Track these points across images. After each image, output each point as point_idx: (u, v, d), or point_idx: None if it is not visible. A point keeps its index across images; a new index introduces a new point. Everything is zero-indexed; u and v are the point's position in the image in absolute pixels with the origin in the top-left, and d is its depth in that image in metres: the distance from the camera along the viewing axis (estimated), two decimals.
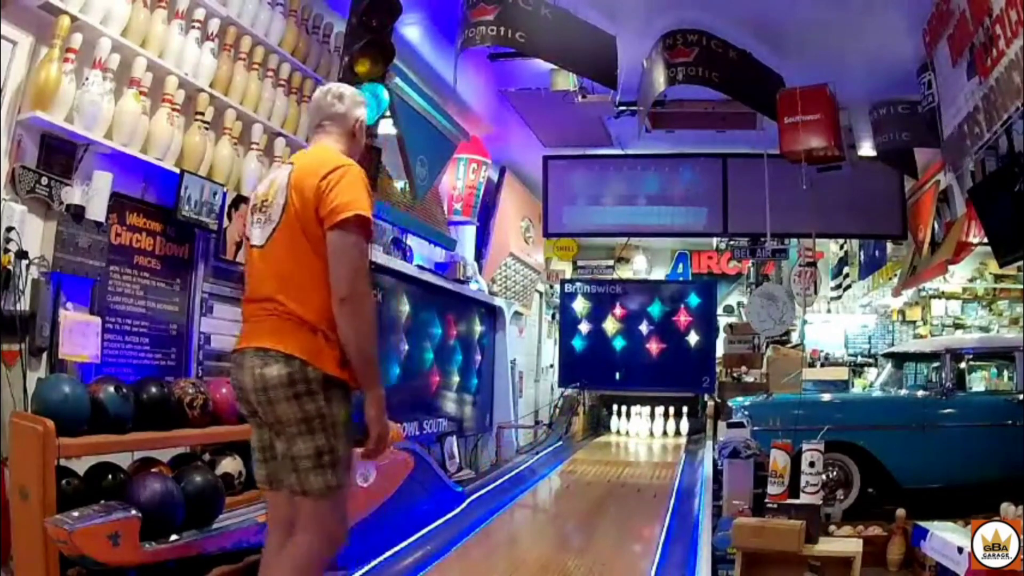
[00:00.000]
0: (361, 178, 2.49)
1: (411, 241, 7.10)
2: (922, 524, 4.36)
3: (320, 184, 2.42)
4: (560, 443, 7.86)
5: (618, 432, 8.99)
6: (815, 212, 6.84)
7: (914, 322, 11.54)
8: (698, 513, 4.74)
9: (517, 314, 10.18)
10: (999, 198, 5.04)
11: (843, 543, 3.97)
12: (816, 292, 10.56)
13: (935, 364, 6.71)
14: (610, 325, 9.55)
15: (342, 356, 2.43)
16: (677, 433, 8.83)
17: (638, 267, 13.27)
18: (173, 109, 3.89)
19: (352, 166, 2.50)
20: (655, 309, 9.51)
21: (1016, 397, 6.15)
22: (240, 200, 4.36)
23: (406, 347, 7.06)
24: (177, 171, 3.92)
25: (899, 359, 7.60)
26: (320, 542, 2.43)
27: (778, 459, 4.24)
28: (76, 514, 2.70)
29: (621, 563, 3.98)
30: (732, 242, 10.28)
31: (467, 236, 8.79)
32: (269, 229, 2.51)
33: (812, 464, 4.08)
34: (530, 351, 11.33)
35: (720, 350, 10.06)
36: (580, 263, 13.10)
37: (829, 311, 12.72)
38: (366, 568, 3.51)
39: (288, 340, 2.41)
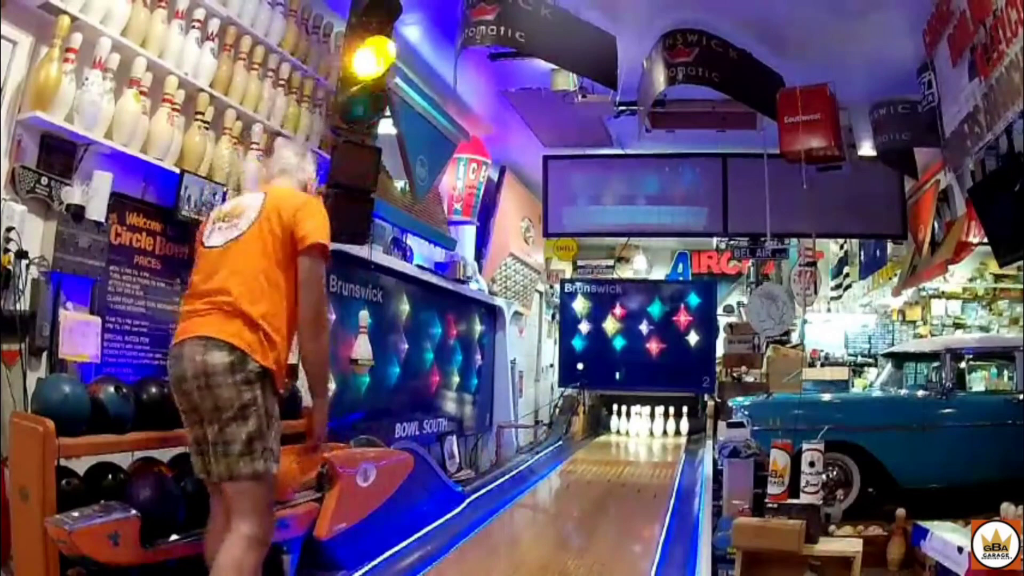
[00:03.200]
0: (324, 211, 2.96)
1: (411, 241, 7.10)
2: (922, 524, 4.36)
3: (296, 214, 2.82)
4: (560, 443, 7.86)
5: (618, 432, 8.99)
6: (815, 212, 6.85)
7: (914, 322, 11.54)
8: (698, 513, 4.74)
9: (517, 314, 10.17)
10: (999, 198, 5.04)
11: (843, 543, 3.97)
12: (816, 292, 10.55)
13: (935, 364, 6.71)
14: (610, 325, 9.55)
15: (278, 356, 2.73)
16: (677, 433, 8.83)
17: (638, 267, 13.27)
18: (173, 109, 3.89)
19: (318, 201, 3.01)
20: (655, 309, 9.51)
21: (1016, 397, 6.15)
22: None
23: (406, 347, 7.06)
24: (177, 171, 3.92)
25: (899, 359, 7.60)
26: (256, 527, 2.59)
27: (778, 459, 4.24)
28: (76, 514, 2.69)
29: (621, 563, 3.98)
30: (732, 242, 10.27)
31: (467, 236, 8.79)
32: (233, 234, 2.82)
33: (812, 464, 4.08)
34: (530, 351, 11.32)
35: (720, 350, 10.05)
36: (580, 263, 13.09)
37: (829, 311, 12.73)
38: (366, 568, 3.52)
39: (231, 331, 2.64)
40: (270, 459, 2.63)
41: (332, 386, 4.96)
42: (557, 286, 10.96)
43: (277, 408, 2.75)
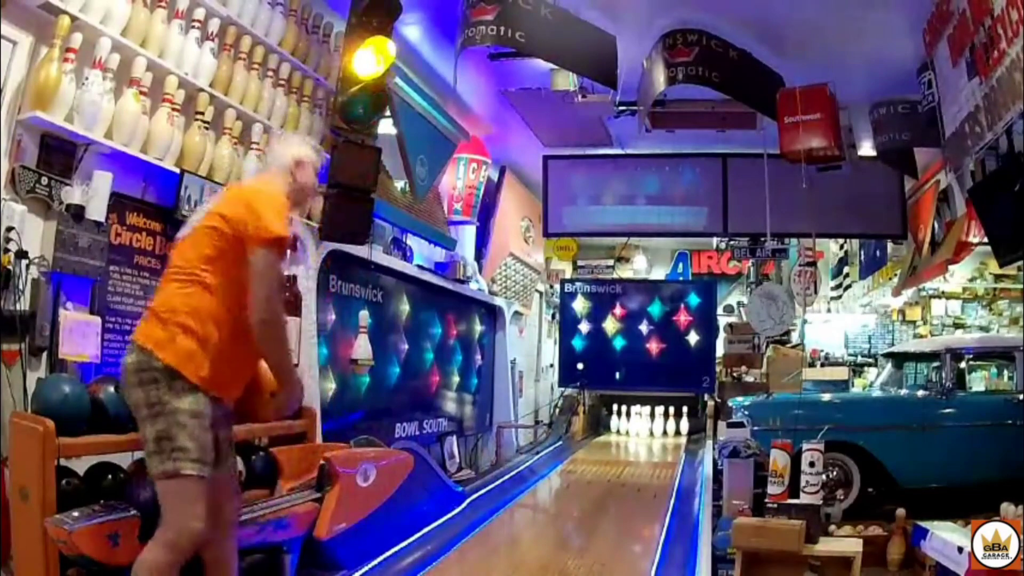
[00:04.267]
0: (276, 199, 2.78)
1: (411, 241, 7.10)
2: (922, 524, 4.36)
3: (247, 207, 2.70)
4: (560, 443, 7.86)
5: (618, 432, 8.98)
6: (815, 212, 6.84)
7: (914, 322, 11.54)
8: (698, 513, 4.74)
9: (517, 314, 10.18)
10: (999, 198, 5.04)
11: (843, 543, 3.97)
12: (816, 292, 10.55)
13: (935, 364, 6.72)
14: (610, 325, 9.55)
15: (192, 353, 2.60)
16: (677, 433, 8.83)
17: (638, 267, 13.27)
18: (173, 109, 3.89)
19: (267, 186, 2.85)
20: (655, 309, 9.51)
21: (1016, 397, 6.15)
22: None
23: (406, 347, 7.06)
24: (177, 171, 3.92)
25: (899, 359, 7.60)
26: (168, 529, 2.52)
27: (778, 459, 4.24)
28: (76, 514, 2.70)
29: (621, 563, 3.98)
30: (732, 242, 10.28)
31: (467, 236, 8.79)
32: (182, 234, 2.82)
33: (812, 464, 4.08)
34: (530, 351, 11.33)
35: (720, 350, 10.05)
36: (580, 263, 13.10)
37: (829, 311, 12.73)
38: (366, 568, 3.52)
39: (142, 331, 2.68)
40: (182, 459, 2.52)
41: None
42: (557, 286, 10.95)
43: (200, 405, 2.60)
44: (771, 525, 3.78)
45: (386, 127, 5.78)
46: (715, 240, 11.47)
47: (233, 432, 2.99)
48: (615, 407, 9.18)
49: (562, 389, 9.54)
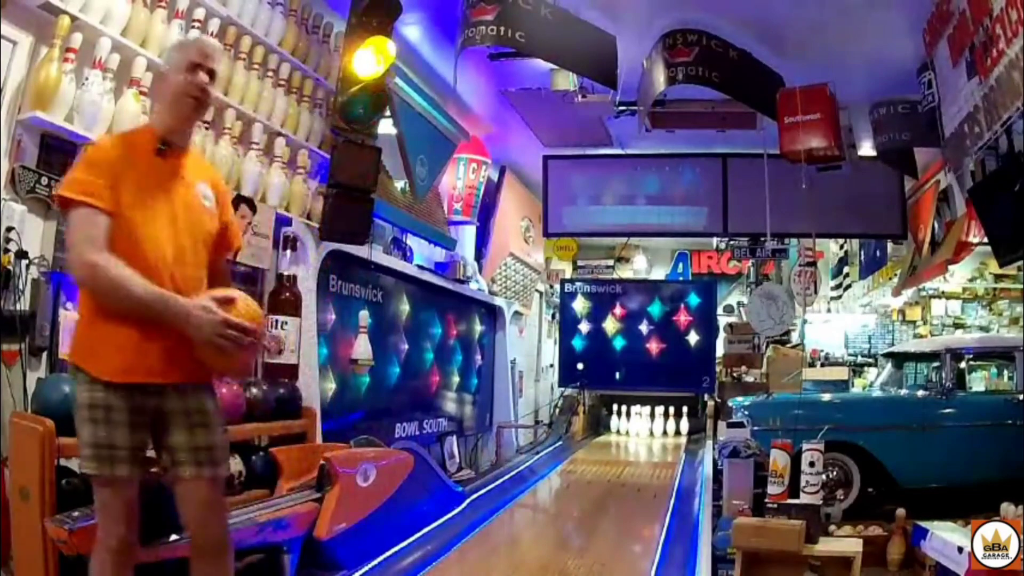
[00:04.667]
0: (88, 153, 2.58)
1: (411, 241, 7.10)
2: (922, 524, 4.36)
3: None
4: (560, 443, 7.86)
5: (618, 432, 8.99)
6: (815, 212, 6.85)
7: (914, 322, 11.55)
8: (698, 513, 4.74)
9: (517, 314, 10.18)
10: (999, 198, 5.04)
11: (843, 543, 3.98)
12: (816, 292, 10.55)
13: (935, 364, 6.72)
14: (610, 325, 9.55)
15: (91, 345, 2.43)
16: (677, 433, 8.83)
17: (638, 267, 13.27)
18: None
19: (92, 146, 2.67)
20: (655, 309, 9.51)
21: (1016, 397, 6.16)
22: (240, 200, 4.35)
23: (406, 347, 7.06)
24: None
25: (899, 359, 7.61)
26: (98, 531, 2.43)
27: (778, 459, 4.24)
28: (76, 514, 2.70)
29: (621, 563, 3.98)
30: (732, 242, 10.28)
31: (467, 236, 8.79)
32: None
33: (812, 464, 4.08)
34: (530, 351, 11.33)
35: (720, 350, 10.06)
36: (580, 263, 13.11)
37: (829, 311, 12.73)
38: (366, 568, 3.52)
39: None
40: (86, 458, 2.38)
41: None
42: (557, 286, 10.95)
43: (100, 397, 2.38)
44: (771, 525, 3.78)
45: (386, 127, 5.78)
46: (715, 240, 11.47)
47: (219, 437, 2.58)
48: (615, 407, 9.18)
49: (562, 389, 9.54)
